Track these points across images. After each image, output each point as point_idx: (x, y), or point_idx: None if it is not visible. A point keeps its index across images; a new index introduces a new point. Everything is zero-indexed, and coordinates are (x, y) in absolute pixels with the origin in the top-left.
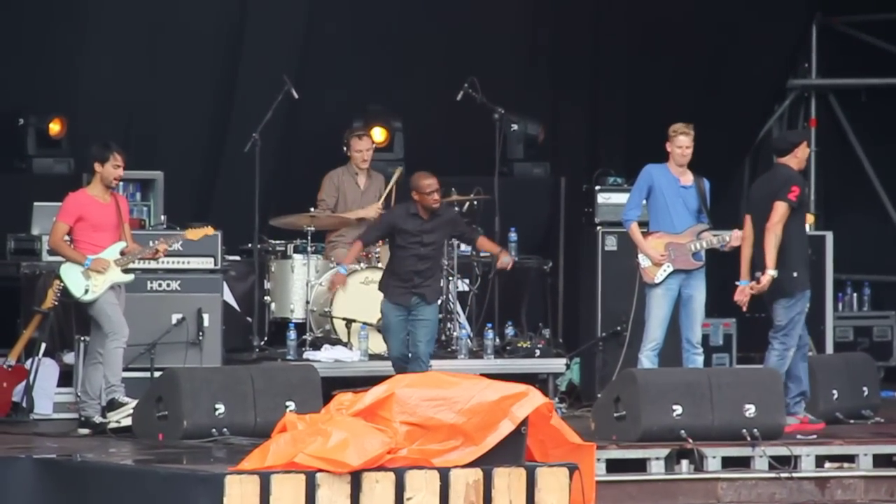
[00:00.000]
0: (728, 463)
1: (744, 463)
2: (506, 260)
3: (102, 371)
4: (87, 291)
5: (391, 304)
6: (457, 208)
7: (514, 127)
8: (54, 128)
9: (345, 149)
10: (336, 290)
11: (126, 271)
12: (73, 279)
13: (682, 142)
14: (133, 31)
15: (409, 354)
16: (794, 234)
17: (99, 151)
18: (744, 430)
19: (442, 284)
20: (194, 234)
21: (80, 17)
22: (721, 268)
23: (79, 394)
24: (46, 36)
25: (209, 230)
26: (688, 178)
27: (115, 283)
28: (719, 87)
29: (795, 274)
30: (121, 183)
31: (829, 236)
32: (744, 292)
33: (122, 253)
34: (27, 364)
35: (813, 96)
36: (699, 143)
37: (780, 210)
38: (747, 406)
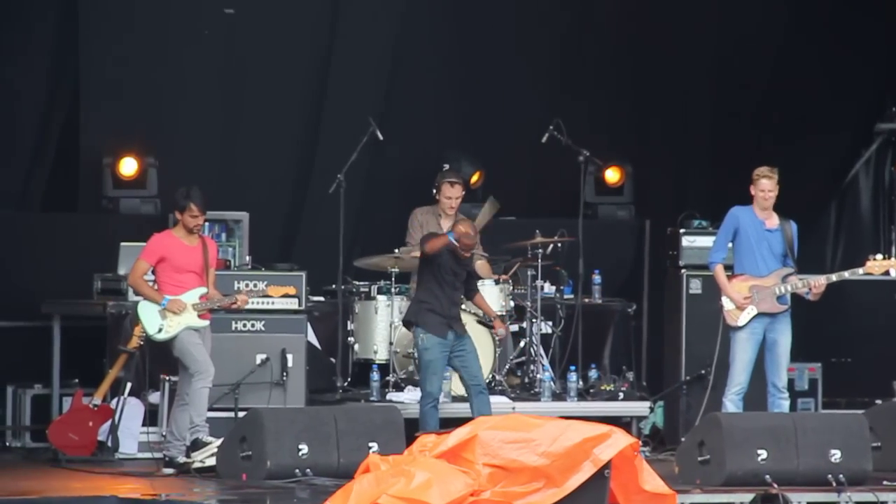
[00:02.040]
0: None
1: None
2: (501, 332)
3: (189, 412)
4: (160, 330)
5: (433, 336)
6: (541, 250)
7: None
8: (128, 168)
9: (434, 191)
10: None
11: (205, 316)
12: (149, 317)
13: (764, 185)
14: (221, 72)
15: (468, 387)
16: None
17: (178, 200)
18: (829, 476)
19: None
20: (276, 291)
21: (173, 58)
22: (807, 312)
23: (164, 434)
24: (138, 75)
25: (291, 290)
26: (773, 222)
27: (190, 326)
28: (806, 129)
29: None
30: (206, 224)
31: None
32: None
33: (201, 298)
34: (113, 403)
35: None
36: (785, 185)
37: None
38: (833, 451)
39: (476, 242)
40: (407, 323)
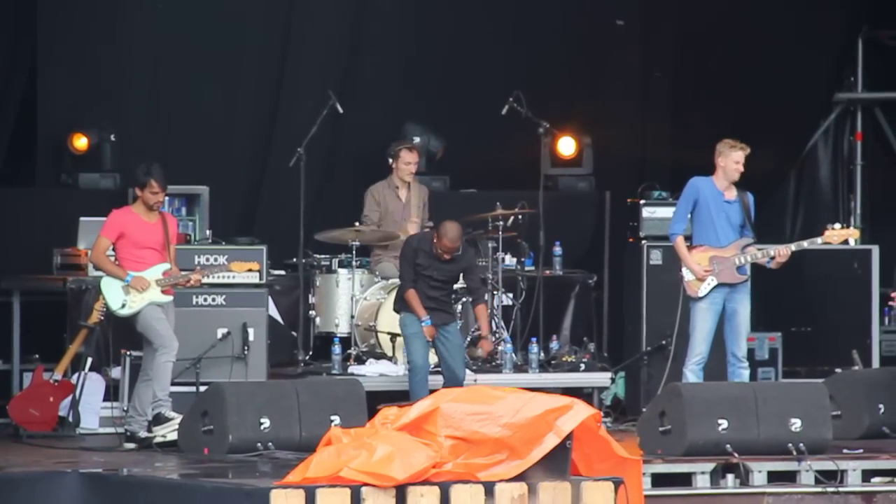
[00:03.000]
0: (774, 477)
1: (790, 477)
2: (480, 352)
3: (152, 387)
4: (124, 306)
5: (411, 314)
6: (501, 222)
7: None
8: (81, 143)
9: (390, 160)
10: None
11: (168, 292)
12: (112, 293)
13: (739, 157)
14: (178, 46)
15: (444, 378)
16: None
17: (138, 177)
18: (790, 445)
19: (457, 309)
20: (239, 267)
21: (123, 30)
22: (767, 281)
23: (126, 409)
24: (95, 51)
25: (255, 265)
26: (732, 193)
27: (154, 302)
28: (764, 100)
29: None
30: (166, 198)
31: (875, 250)
32: None
33: (164, 274)
34: (73, 379)
35: (859, 110)
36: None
37: None
38: (793, 420)
39: (455, 248)
40: (396, 311)
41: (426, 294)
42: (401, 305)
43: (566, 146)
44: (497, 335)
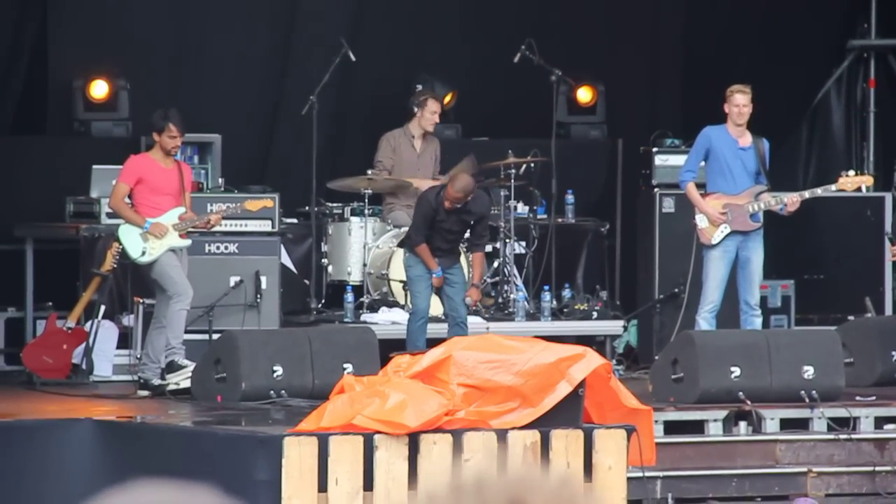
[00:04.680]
0: (786, 425)
1: (802, 425)
2: (468, 301)
3: (165, 334)
4: (143, 253)
5: (418, 257)
6: (514, 171)
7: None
8: (99, 90)
9: (415, 108)
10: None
11: (184, 236)
12: (131, 241)
13: (738, 100)
14: None
15: (447, 317)
16: None
17: (156, 122)
18: (802, 392)
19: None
20: (253, 205)
21: None
22: (780, 229)
23: (139, 356)
24: None
25: (269, 202)
26: (746, 140)
27: (172, 248)
28: (777, 48)
29: None
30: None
31: (888, 197)
32: None
33: (181, 218)
34: (86, 326)
35: (872, 57)
36: (756, 104)
37: None
38: (806, 368)
39: (461, 202)
40: (400, 245)
41: (440, 246)
42: (408, 246)
43: (584, 94)
44: (510, 283)
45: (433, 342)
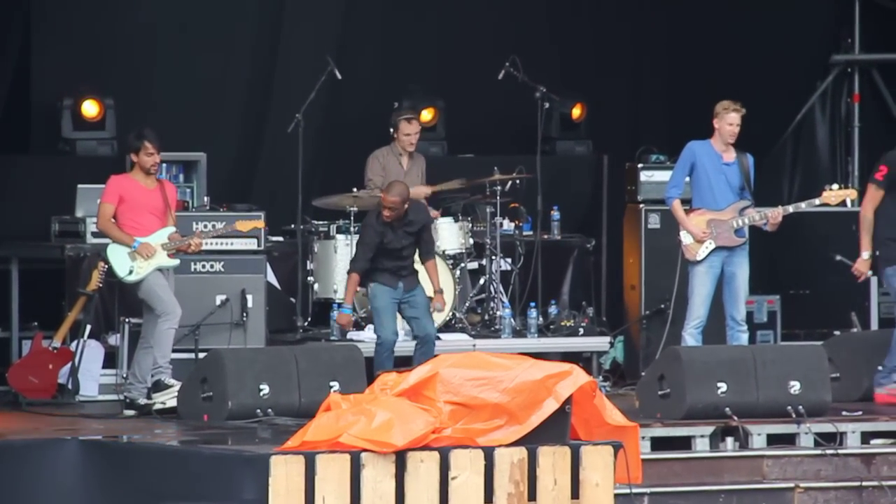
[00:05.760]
0: (773, 440)
1: (789, 440)
2: (437, 307)
3: (152, 354)
4: (131, 272)
5: (382, 285)
6: (499, 187)
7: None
8: (90, 109)
9: (392, 130)
10: (348, 330)
11: (172, 256)
12: (119, 260)
13: (733, 119)
14: (174, 11)
15: (417, 338)
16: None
17: (131, 142)
18: (789, 407)
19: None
20: (244, 225)
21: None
22: (766, 244)
23: (126, 376)
24: (89, 16)
25: (260, 223)
26: (730, 155)
27: (160, 267)
28: (761, 63)
29: None
30: (163, 164)
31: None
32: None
33: (170, 238)
34: (72, 346)
35: (856, 72)
36: (742, 119)
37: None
38: (792, 383)
39: (398, 209)
40: (363, 285)
41: (397, 267)
42: (369, 277)
43: (576, 111)
44: (497, 300)
45: (401, 360)
